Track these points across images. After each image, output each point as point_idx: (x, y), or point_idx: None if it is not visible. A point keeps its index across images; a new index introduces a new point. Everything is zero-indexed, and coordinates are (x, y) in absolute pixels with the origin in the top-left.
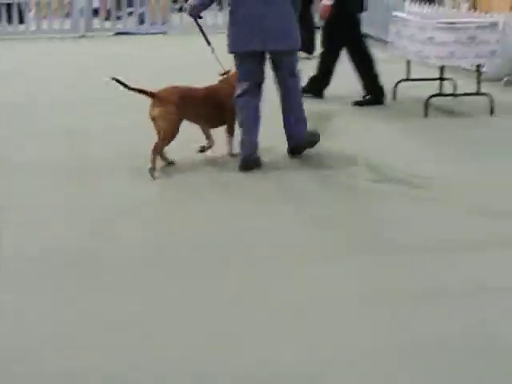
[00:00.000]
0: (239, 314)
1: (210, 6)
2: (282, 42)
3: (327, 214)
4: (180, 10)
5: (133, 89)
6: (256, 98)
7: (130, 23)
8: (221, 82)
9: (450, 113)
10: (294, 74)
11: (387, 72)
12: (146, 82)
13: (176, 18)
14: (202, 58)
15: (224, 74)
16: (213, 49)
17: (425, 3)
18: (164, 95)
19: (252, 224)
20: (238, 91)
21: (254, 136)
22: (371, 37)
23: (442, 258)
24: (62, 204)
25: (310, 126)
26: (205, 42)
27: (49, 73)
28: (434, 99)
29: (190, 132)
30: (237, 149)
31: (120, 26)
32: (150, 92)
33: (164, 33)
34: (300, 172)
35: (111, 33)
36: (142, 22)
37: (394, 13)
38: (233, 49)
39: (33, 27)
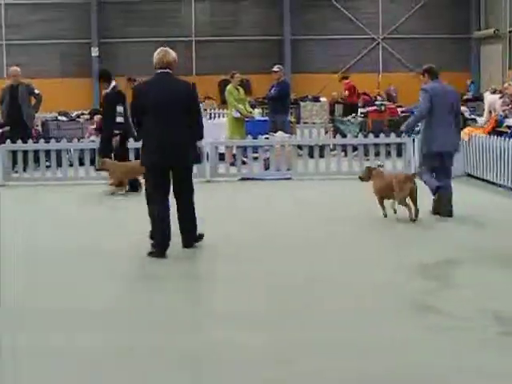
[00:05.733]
0: None
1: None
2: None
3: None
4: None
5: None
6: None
7: (256, 168)
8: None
9: None
10: None
11: None
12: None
13: (300, 164)
14: (330, 199)
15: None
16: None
17: None
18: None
19: None
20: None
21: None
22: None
23: None
24: None
25: None
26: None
27: None
28: None
29: None
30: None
31: (245, 171)
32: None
33: (288, 178)
34: None
35: (236, 178)
36: (267, 167)
37: None
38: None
39: None
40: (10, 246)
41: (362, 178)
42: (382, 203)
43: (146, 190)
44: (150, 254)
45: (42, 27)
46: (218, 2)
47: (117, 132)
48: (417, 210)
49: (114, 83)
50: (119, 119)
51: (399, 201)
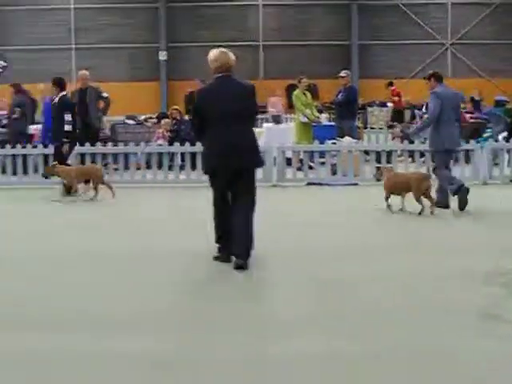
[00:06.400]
0: None
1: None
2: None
3: None
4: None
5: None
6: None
7: (323, 174)
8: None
9: None
10: None
11: None
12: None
13: (367, 169)
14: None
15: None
16: None
17: None
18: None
19: None
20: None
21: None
22: None
23: None
24: None
25: None
26: None
27: None
28: None
29: None
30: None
31: (312, 176)
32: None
33: (355, 184)
34: None
35: (303, 183)
36: (334, 172)
37: None
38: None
39: None
40: (70, 248)
41: (378, 179)
42: (387, 199)
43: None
44: (216, 258)
45: (110, 31)
46: (286, 7)
47: (65, 140)
48: (433, 206)
49: (64, 92)
50: (67, 127)
51: (416, 198)
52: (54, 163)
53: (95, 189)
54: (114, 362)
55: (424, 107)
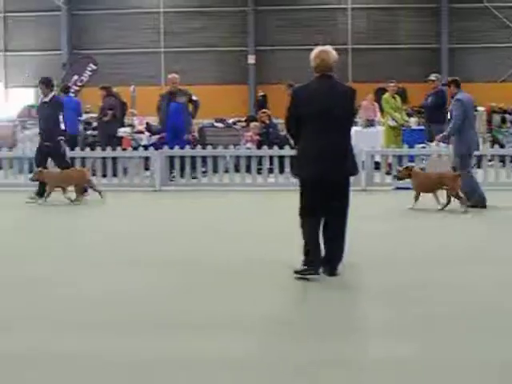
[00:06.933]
0: None
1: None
2: None
3: None
4: None
5: None
6: None
7: None
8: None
9: None
10: None
11: None
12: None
13: None
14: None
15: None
16: None
17: None
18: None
19: None
20: None
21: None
22: None
23: None
24: None
25: None
26: None
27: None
28: None
29: None
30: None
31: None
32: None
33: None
34: None
35: (391, 187)
36: None
37: None
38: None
39: None
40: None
41: (399, 178)
42: (417, 198)
43: (300, 204)
44: (302, 272)
45: (199, 34)
46: (375, 10)
47: (63, 138)
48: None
49: (53, 93)
50: (63, 126)
51: (454, 194)
52: (40, 169)
53: (80, 192)
54: (223, 364)
55: (449, 114)
